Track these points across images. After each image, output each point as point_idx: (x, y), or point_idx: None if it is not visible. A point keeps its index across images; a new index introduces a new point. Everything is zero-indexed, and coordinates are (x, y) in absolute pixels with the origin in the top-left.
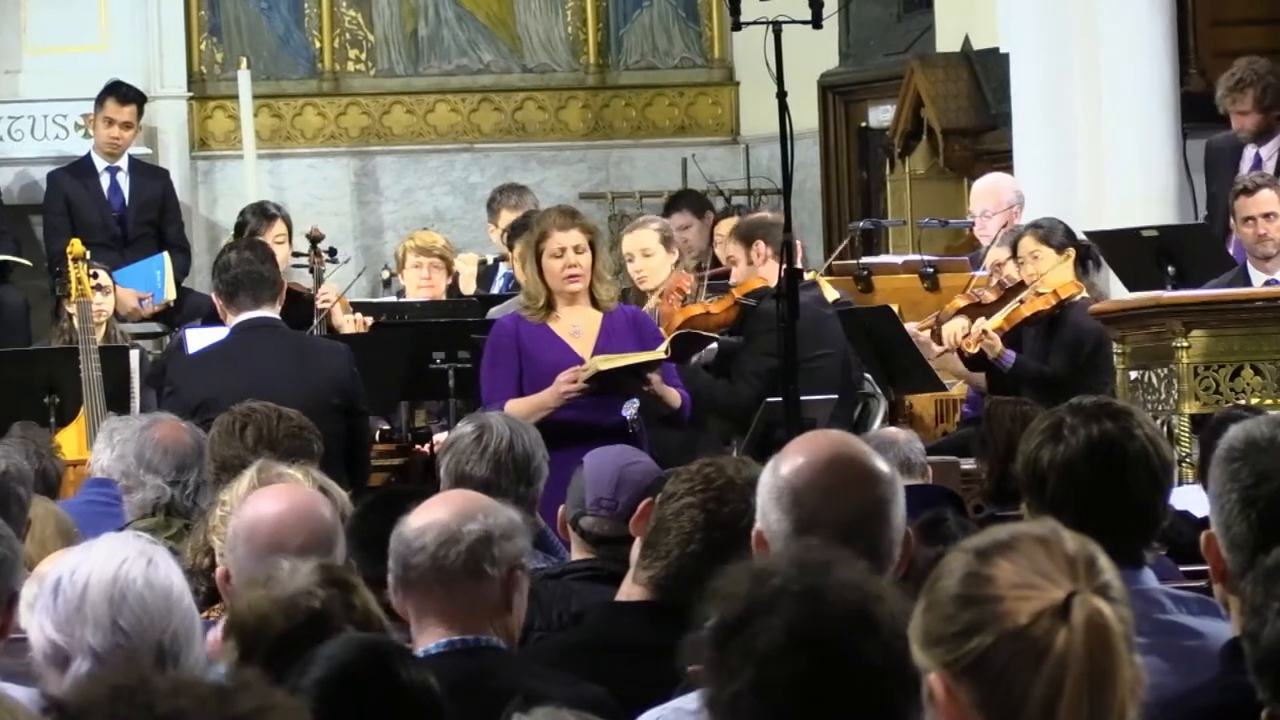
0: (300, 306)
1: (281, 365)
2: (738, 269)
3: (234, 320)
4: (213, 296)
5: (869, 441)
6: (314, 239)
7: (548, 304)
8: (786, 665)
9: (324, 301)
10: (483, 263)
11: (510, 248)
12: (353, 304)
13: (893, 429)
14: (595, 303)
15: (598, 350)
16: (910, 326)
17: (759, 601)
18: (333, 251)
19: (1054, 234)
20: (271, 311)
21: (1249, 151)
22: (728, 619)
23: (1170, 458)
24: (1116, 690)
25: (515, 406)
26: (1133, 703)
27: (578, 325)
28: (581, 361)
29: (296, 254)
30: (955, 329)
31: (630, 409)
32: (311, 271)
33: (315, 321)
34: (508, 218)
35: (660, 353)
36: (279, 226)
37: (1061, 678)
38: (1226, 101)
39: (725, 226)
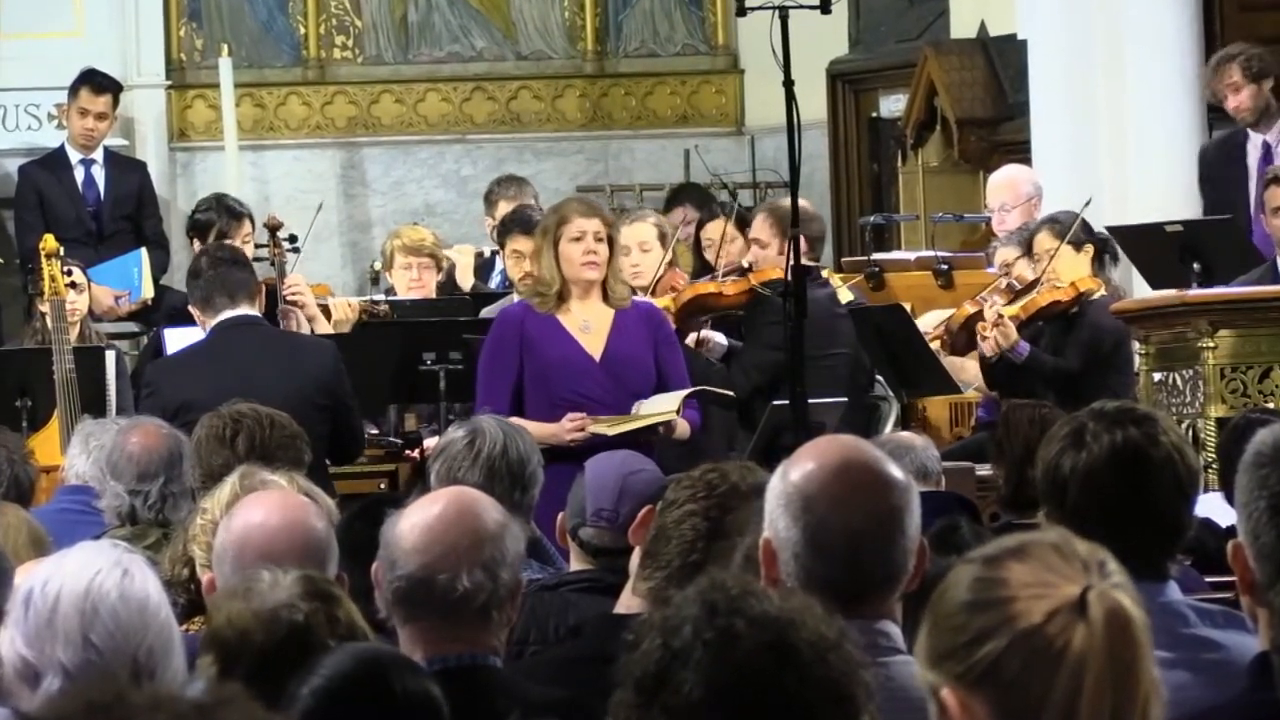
0: (269, 301)
1: (265, 363)
2: (761, 251)
3: (211, 323)
4: (190, 308)
5: (883, 446)
6: (272, 228)
7: (560, 294)
8: (711, 718)
9: (293, 294)
10: (479, 255)
11: (501, 244)
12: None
13: (908, 434)
14: (607, 299)
15: (608, 349)
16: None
17: (672, 655)
18: (293, 239)
19: (1070, 229)
20: (250, 309)
21: (1255, 140)
22: (644, 676)
23: (1196, 466)
24: (1140, 685)
25: None
26: (1156, 702)
27: (588, 320)
28: (589, 357)
29: (256, 245)
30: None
31: None
32: (273, 264)
33: (279, 315)
34: (505, 210)
35: (672, 412)
36: (247, 226)
37: (1080, 677)
38: (1215, 85)
39: (714, 229)
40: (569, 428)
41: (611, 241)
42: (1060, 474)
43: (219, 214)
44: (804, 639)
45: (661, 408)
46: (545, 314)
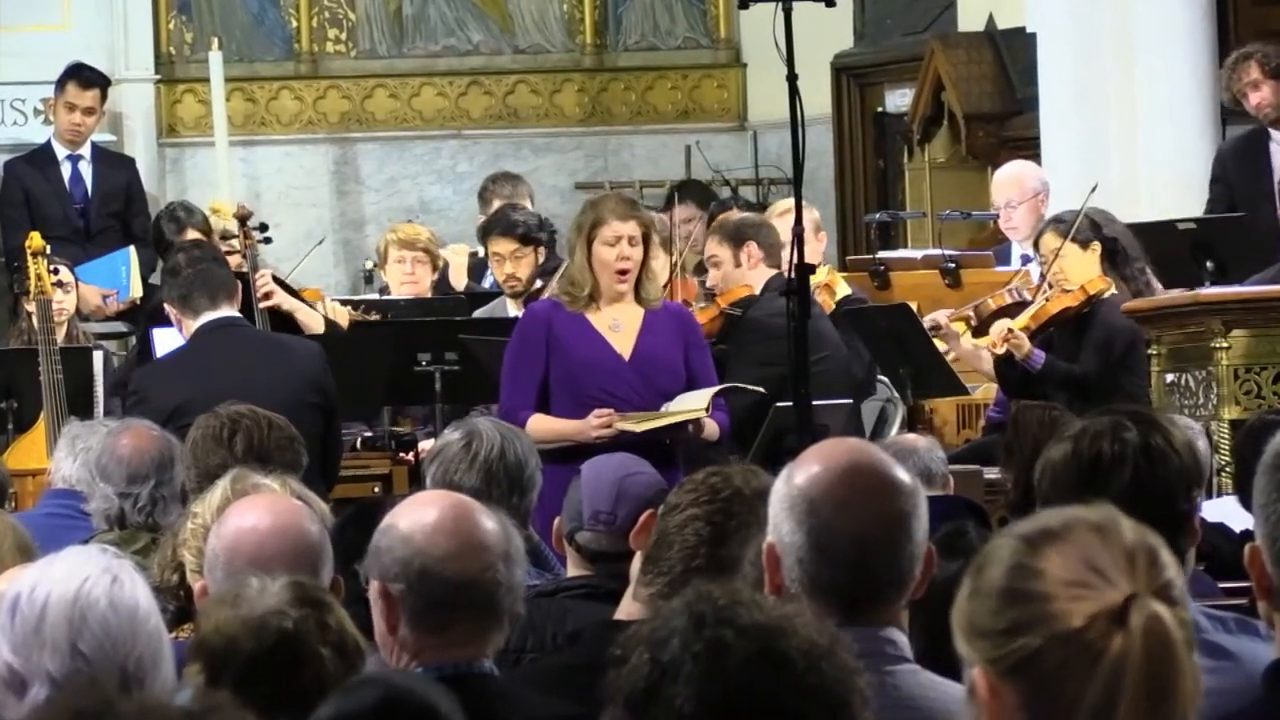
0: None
1: (255, 365)
2: (718, 271)
3: (193, 325)
4: (166, 307)
5: (886, 450)
6: (241, 218)
7: (590, 295)
8: None
9: (263, 288)
10: (474, 254)
11: (484, 245)
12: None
13: (912, 436)
14: (638, 299)
15: (637, 349)
16: (941, 314)
17: (661, 670)
18: (264, 227)
19: (1077, 228)
20: (231, 310)
21: (1278, 137)
22: (633, 693)
23: (1194, 466)
24: (1178, 703)
25: (537, 425)
26: (1193, 713)
27: (618, 320)
28: (619, 357)
29: (225, 236)
30: (995, 335)
31: None
32: (245, 256)
33: (255, 310)
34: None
35: (700, 410)
36: (190, 235)
37: (1118, 686)
38: (1233, 84)
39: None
40: (595, 424)
41: (647, 242)
42: (1056, 476)
43: (165, 225)
44: (795, 647)
45: (690, 405)
46: (574, 312)
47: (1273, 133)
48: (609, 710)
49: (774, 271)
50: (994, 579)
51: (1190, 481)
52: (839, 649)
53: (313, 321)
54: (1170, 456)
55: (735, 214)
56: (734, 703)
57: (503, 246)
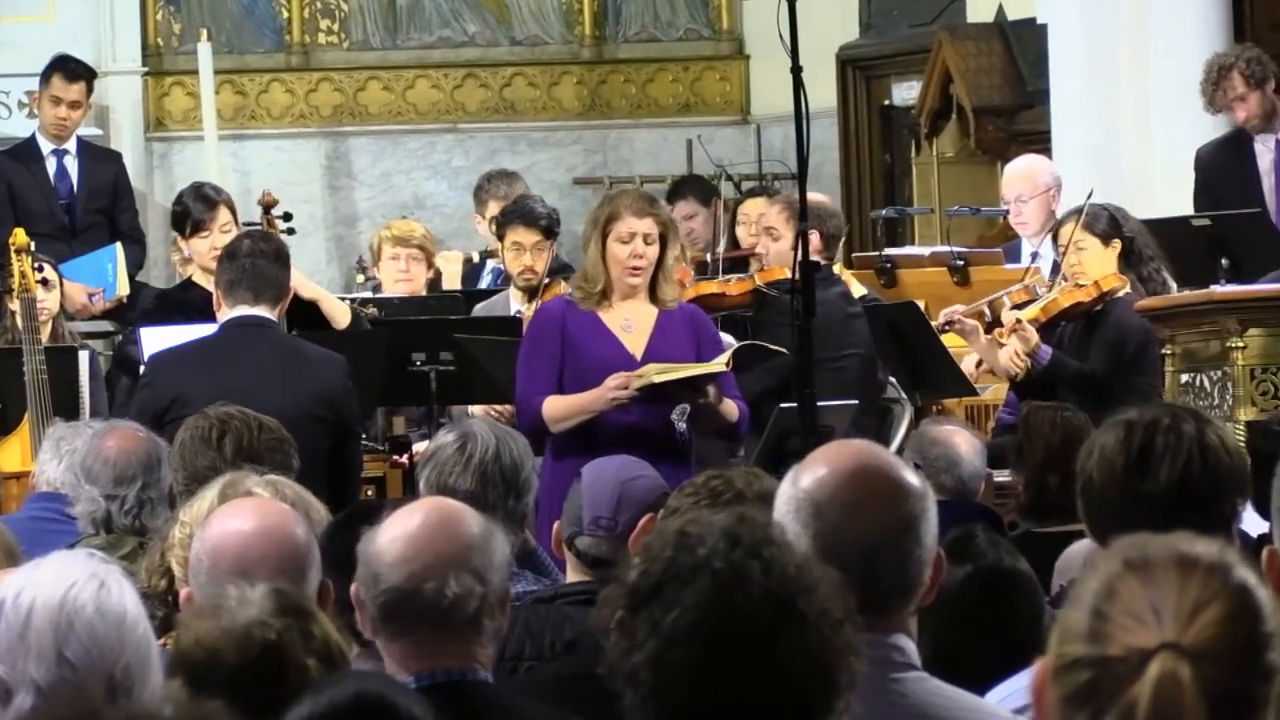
0: None
1: (265, 369)
2: (775, 245)
3: (227, 315)
4: (214, 287)
5: (930, 449)
6: (266, 205)
7: (603, 291)
8: (690, 650)
9: None
10: (468, 260)
11: (500, 239)
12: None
13: (949, 429)
14: (654, 299)
15: (649, 349)
16: (955, 310)
17: (678, 570)
18: (288, 217)
19: (1098, 221)
20: (269, 313)
21: (1265, 140)
22: (643, 582)
23: (1243, 471)
24: None
25: (554, 404)
26: None
27: (630, 319)
28: (631, 357)
29: (249, 224)
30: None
31: (681, 419)
32: None
33: None
34: (496, 208)
35: (721, 365)
36: (224, 214)
37: None
38: (1217, 98)
39: (753, 206)
40: (612, 385)
41: (665, 240)
42: (1105, 461)
43: (193, 203)
44: (812, 607)
45: (710, 365)
46: (586, 311)
47: (1257, 136)
48: (613, 589)
49: (823, 261)
50: (1089, 586)
51: (1236, 485)
52: (849, 625)
53: (338, 312)
54: (1223, 456)
55: (813, 199)
56: (728, 634)
57: (525, 237)
